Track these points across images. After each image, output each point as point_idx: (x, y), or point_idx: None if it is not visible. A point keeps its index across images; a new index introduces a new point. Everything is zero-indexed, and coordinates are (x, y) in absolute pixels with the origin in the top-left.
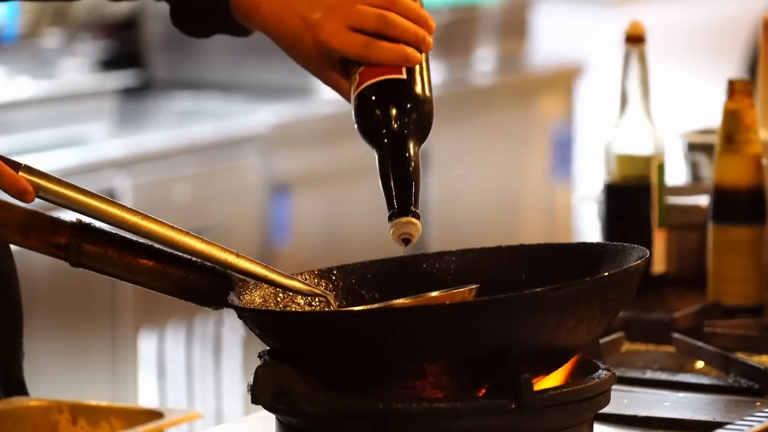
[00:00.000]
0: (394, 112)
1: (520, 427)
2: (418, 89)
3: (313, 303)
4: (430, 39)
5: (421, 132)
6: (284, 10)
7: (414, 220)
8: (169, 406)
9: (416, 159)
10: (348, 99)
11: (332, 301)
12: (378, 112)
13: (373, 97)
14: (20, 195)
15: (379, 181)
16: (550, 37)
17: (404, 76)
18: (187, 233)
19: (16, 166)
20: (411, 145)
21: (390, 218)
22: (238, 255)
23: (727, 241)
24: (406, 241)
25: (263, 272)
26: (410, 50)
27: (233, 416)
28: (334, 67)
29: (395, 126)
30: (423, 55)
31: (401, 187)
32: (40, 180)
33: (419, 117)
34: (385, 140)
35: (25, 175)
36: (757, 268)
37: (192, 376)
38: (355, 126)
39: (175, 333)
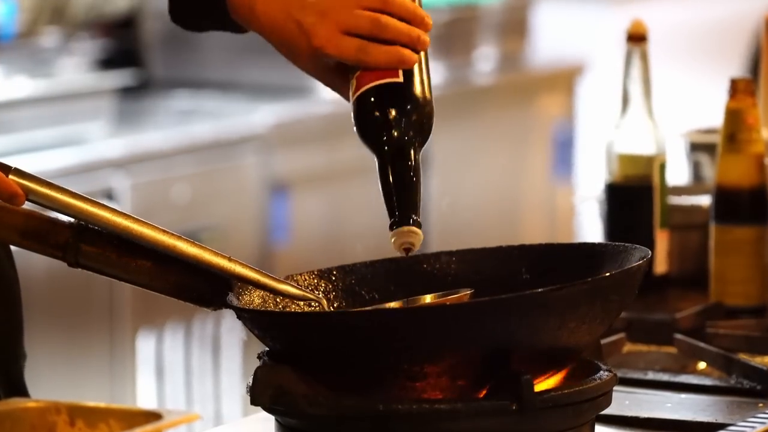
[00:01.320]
0: (392, 117)
1: (520, 428)
2: (417, 91)
3: (312, 304)
4: (425, 37)
5: (422, 135)
6: (278, 14)
7: (415, 229)
8: (167, 408)
9: (416, 165)
10: (348, 101)
11: (325, 306)
12: (376, 117)
13: (371, 103)
14: (10, 199)
15: (380, 188)
16: (551, 36)
17: (401, 79)
18: (180, 237)
19: (7, 170)
20: (411, 151)
21: (391, 227)
22: (230, 259)
23: (729, 241)
24: (407, 251)
25: (255, 276)
26: (405, 52)
27: (232, 417)
28: (331, 71)
29: (394, 133)
30: (422, 54)
31: (402, 196)
32: (31, 183)
33: (419, 120)
34: (385, 147)
35: (16, 179)
36: (760, 269)
37: (191, 377)
38: (355, 130)
39: (174, 334)
